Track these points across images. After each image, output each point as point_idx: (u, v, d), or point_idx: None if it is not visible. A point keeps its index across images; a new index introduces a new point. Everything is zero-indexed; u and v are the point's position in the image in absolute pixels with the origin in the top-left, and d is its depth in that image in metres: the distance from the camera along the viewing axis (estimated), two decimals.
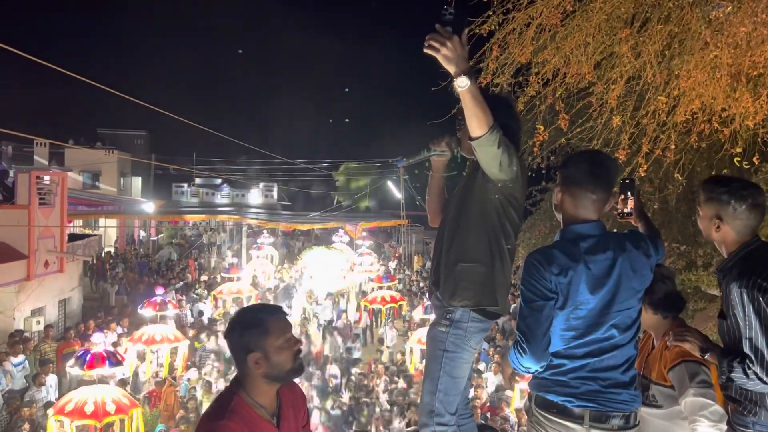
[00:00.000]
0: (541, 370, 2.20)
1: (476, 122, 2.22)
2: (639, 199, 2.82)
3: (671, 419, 2.50)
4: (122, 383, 10.09)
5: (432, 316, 3.56)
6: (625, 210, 2.70)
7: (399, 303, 16.81)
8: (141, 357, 12.21)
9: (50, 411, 8.36)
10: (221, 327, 14.79)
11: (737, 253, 2.44)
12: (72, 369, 9.62)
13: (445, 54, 2.05)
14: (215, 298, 17.92)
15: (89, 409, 7.88)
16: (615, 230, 2.94)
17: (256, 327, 2.08)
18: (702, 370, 2.42)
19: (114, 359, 9.35)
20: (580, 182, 2.31)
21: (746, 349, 2.26)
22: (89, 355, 9.17)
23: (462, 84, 2.10)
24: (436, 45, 2.04)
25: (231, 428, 1.99)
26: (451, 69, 2.08)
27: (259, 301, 17.89)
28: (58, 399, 9.34)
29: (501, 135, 2.29)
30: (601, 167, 2.35)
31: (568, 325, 2.24)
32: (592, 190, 2.29)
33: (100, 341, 9.71)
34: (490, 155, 2.35)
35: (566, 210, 2.36)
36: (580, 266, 2.21)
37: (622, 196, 2.71)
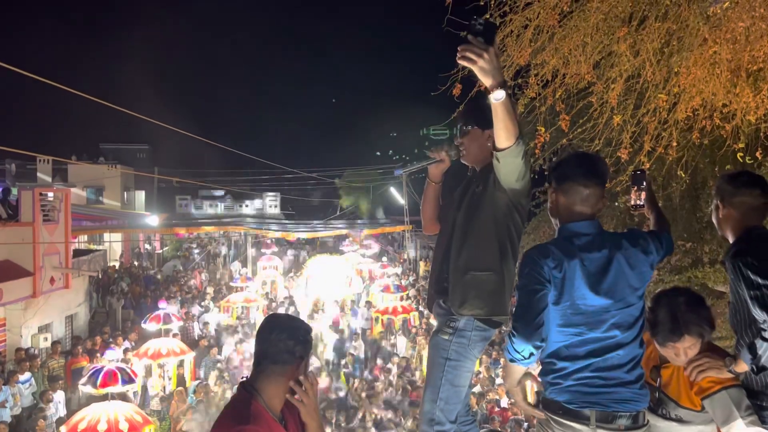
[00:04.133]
0: (534, 352, 2.17)
1: (505, 134, 2.21)
2: (651, 190, 2.84)
3: (694, 426, 2.46)
4: (121, 397, 10.04)
5: None
6: (638, 202, 2.73)
7: (411, 314, 16.76)
8: (147, 371, 12.18)
9: (63, 429, 8.30)
10: (239, 334, 14.81)
11: (740, 238, 2.50)
12: (84, 387, 9.53)
13: (481, 66, 1.99)
14: (223, 309, 17.91)
15: (102, 427, 7.78)
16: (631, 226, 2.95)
17: (308, 341, 2.22)
18: (743, 393, 2.36)
19: (126, 376, 9.20)
20: (571, 177, 2.35)
21: (756, 310, 2.25)
22: (102, 374, 9.02)
23: (498, 96, 2.07)
24: (473, 57, 1.98)
25: None
26: (487, 81, 2.04)
27: (268, 312, 17.93)
28: (68, 415, 9.30)
29: (525, 146, 2.31)
30: (590, 161, 2.43)
31: (567, 320, 2.24)
32: (584, 183, 2.33)
33: (113, 358, 9.58)
34: (513, 166, 2.36)
35: (561, 210, 2.40)
36: (575, 262, 2.24)
37: (635, 188, 2.73)
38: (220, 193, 47.20)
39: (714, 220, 2.68)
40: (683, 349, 2.41)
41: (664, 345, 2.42)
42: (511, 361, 2.24)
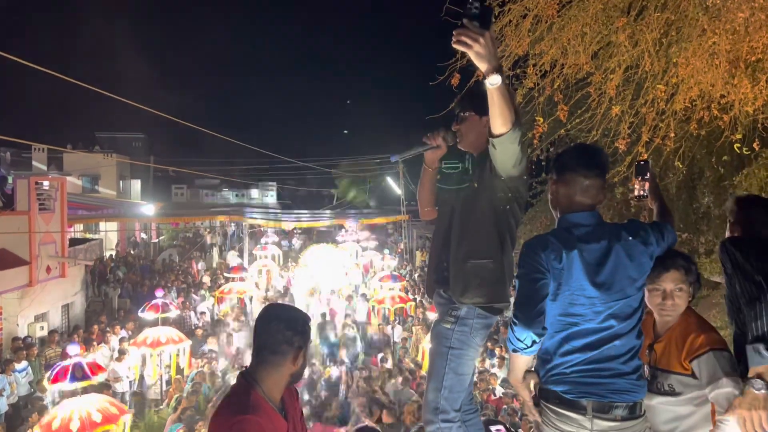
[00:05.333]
0: (536, 340, 2.18)
1: (501, 120, 2.19)
2: (654, 181, 2.85)
3: (687, 404, 2.49)
4: (104, 387, 9.97)
5: None
6: (642, 192, 2.74)
7: (408, 303, 16.80)
8: (144, 360, 12.18)
9: (36, 429, 8.01)
10: (233, 325, 14.83)
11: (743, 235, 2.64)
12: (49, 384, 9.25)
13: (477, 51, 1.95)
14: (219, 299, 17.91)
15: (75, 426, 7.58)
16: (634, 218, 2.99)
17: (306, 331, 2.23)
18: (730, 356, 2.42)
19: (80, 373, 8.74)
20: (572, 168, 2.36)
21: (752, 282, 2.35)
22: (56, 369, 8.81)
23: (494, 82, 2.04)
24: (468, 42, 1.94)
25: (259, 423, 2.04)
26: (483, 66, 2.01)
27: (263, 302, 17.94)
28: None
29: (521, 132, 2.29)
30: (590, 152, 2.45)
31: (565, 311, 2.26)
32: (584, 174, 2.34)
33: (74, 353, 9.08)
34: (509, 152, 2.34)
35: (561, 201, 2.40)
36: (574, 252, 2.24)
37: (639, 178, 2.73)
38: (216, 182, 47.10)
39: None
40: (670, 291, 2.47)
41: (652, 284, 2.46)
42: (514, 351, 2.24)
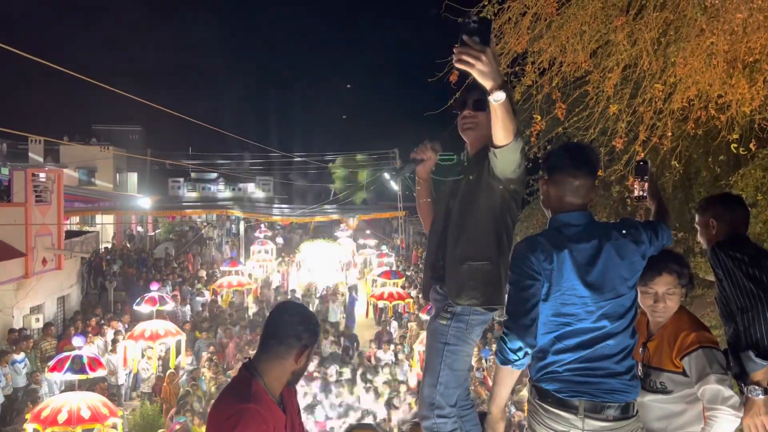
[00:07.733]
0: (529, 351, 2.17)
1: (503, 132, 2.19)
2: (653, 181, 2.85)
3: (679, 402, 2.52)
4: (100, 379, 10.05)
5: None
6: (642, 193, 2.74)
7: (406, 300, 16.84)
8: (139, 354, 12.18)
9: (27, 416, 8.20)
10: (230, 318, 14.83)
11: (727, 237, 2.66)
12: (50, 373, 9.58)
13: (480, 69, 1.90)
14: (214, 292, 17.92)
15: (62, 417, 7.73)
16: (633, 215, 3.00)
17: (317, 332, 2.25)
18: (719, 354, 2.44)
19: (78, 366, 8.96)
20: (561, 168, 2.35)
21: (742, 290, 2.43)
22: (55, 359, 9.20)
23: (498, 98, 2.01)
24: (470, 60, 1.89)
25: (259, 412, 2.05)
26: (486, 84, 1.97)
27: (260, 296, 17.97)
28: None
29: (522, 141, 2.30)
30: (580, 152, 2.43)
31: (557, 311, 2.25)
32: (573, 174, 2.32)
33: (79, 344, 9.41)
34: (509, 160, 2.35)
35: (552, 201, 2.39)
36: (564, 253, 2.23)
37: (638, 179, 2.73)
38: (212, 176, 47.03)
39: (704, 238, 2.79)
40: (662, 294, 2.50)
41: (645, 287, 2.49)
42: (504, 363, 2.20)
